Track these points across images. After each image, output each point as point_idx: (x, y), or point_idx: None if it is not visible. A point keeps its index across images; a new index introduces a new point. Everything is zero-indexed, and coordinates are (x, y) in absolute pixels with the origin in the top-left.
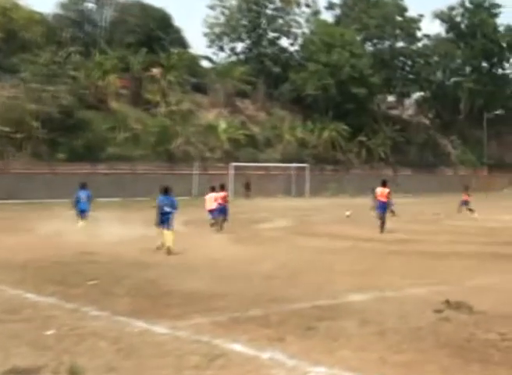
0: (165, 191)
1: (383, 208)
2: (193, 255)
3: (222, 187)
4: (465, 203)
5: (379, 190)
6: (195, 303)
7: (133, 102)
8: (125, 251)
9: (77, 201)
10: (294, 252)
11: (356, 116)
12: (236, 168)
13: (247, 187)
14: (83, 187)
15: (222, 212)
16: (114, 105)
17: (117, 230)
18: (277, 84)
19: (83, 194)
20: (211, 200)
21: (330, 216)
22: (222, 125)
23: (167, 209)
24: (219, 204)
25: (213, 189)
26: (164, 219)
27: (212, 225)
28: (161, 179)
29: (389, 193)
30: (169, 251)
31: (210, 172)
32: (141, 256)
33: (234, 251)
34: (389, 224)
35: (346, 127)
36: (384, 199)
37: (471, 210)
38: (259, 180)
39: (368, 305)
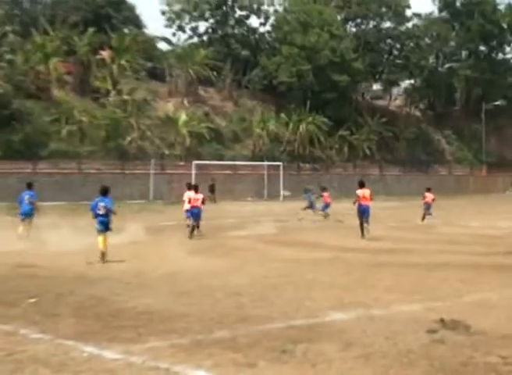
0: (105, 192)
1: (367, 211)
2: (148, 267)
3: (196, 189)
4: (428, 207)
5: (360, 192)
6: (151, 324)
7: (79, 91)
8: (70, 263)
9: (20, 203)
10: (266, 264)
11: (337, 107)
12: (199, 167)
13: (212, 189)
14: (29, 187)
15: (196, 216)
16: (57, 93)
17: (61, 239)
18: (246, 70)
19: (26, 196)
20: (189, 199)
21: (308, 223)
22: (183, 117)
23: (100, 212)
24: (194, 206)
25: (190, 187)
26: (100, 223)
27: (189, 229)
28: (113, 179)
29: (370, 194)
30: (103, 256)
31: (169, 171)
32: (89, 270)
33: (196, 262)
34: (374, 231)
35: (325, 120)
36: (368, 202)
37: (424, 216)
38: (226, 181)
39: (352, 324)
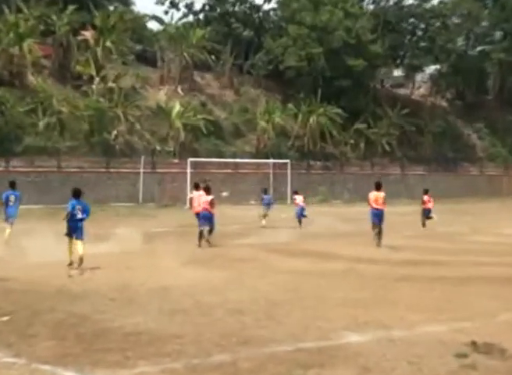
0: (78, 194)
1: (380, 216)
2: (137, 280)
3: (207, 190)
4: (428, 212)
5: (373, 195)
6: (140, 346)
7: (58, 77)
8: (48, 275)
9: (5, 204)
10: (272, 277)
11: (352, 96)
12: (195, 165)
13: (207, 190)
14: (12, 186)
15: (207, 220)
16: (33, 80)
17: (38, 247)
18: (248, 54)
19: (11, 196)
20: (199, 201)
21: (319, 230)
22: (177, 107)
23: (79, 216)
24: (204, 209)
25: (197, 187)
26: (75, 227)
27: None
28: (97, 179)
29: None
30: (81, 261)
31: (160, 170)
32: (70, 283)
33: (192, 275)
34: (394, 240)
35: (339, 111)
36: (381, 206)
37: (427, 218)
38: (226, 182)
39: (369, 347)
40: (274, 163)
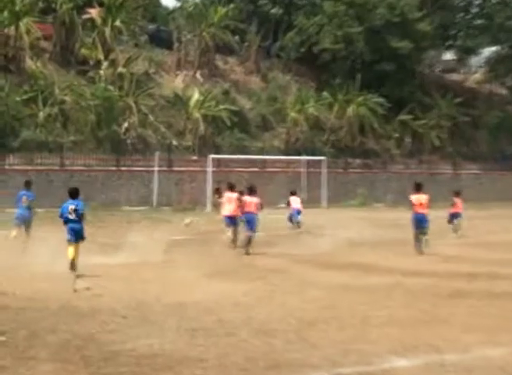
0: (74, 194)
1: (424, 222)
2: (152, 295)
3: (252, 191)
4: (455, 216)
5: (415, 198)
6: (156, 371)
7: (60, 61)
8: (50, 289)
9: (18, 205)
10: (305, 293)
11: (396, 82)
12: (217, 162)
13: (218, 193)
14: (27, 186)
15: (251, 223)
16: (31, 64)
17: (39, 257)
18: (277, 34)
19: (23, 196)
20: (231, 202)
21: (359, 237)
22: (196, 96)
23: (71, 217)
24: (250, 211)
25: (232, 188)
26: (69, 230)
27: (233, 242)
28: (105, 179)
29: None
30: (73, 266)
31: (177, 168)
32: (75, 299)
33: (215, 289)
34: (443, 249)
35: (381, 100)
36: (423, 210)
37: (449, 223)
38: (251, 182)
39: (418, 373)
40: (307, 161)
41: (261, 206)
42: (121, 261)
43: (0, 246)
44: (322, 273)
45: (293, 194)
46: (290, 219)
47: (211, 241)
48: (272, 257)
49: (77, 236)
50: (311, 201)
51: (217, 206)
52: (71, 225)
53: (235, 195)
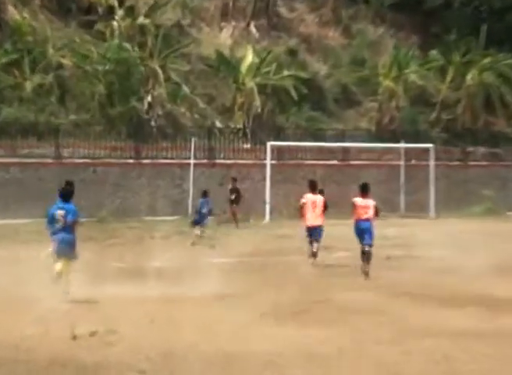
0: (66, 195)
1: None
2: (184, 342)
3: (366, 190)
4: None
5: None
6: None
7: (56, 10)
8: (42, 335)
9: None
10: (409, 342)
11: None
12: (280, 152)
13: (236, 194)
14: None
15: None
16: (15, 14)
17: (27, 287)
18: None
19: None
20: (315, 207)
21: (485, 260)
22: (249, 58)
23: (59, 224)
24: (367, 219)
25: (313, 187)
26: (57, 242)
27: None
28: (121, 175)
29: None
30: (59, 276)
31: (221, 161)
32: (75, 347)
33: (277, 335)
34: None
35: None
36: None
37: None
38: (328, 179)
39: None
40: (407, 149)
41: (376, 212)
42: (141, 294)
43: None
44: (432, 313)
45: (313, 188)
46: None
47: (270, 266)
48: (356, 288)
49: (68, 248)
50: (411, 208)
51: (233, 217)
52: (60, 236)
53: (320, 198)
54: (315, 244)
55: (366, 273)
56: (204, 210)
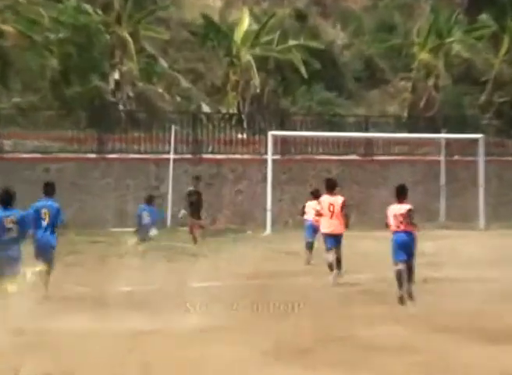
0: (7, 200)
1: None
2: None
3: (402, 193)
4: None
5: None
6: None
7: None
8: None
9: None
10: None
11: None
12: (283, 144)
13: (195, 196)
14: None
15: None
16: None
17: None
18: None
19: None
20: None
21: None
22: (245, 23)
23: (12, 235)
24: (405, 230)
25: (332, 186)
26: (5, 257)
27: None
28: (80, 174)
29: None
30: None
31: (209, 156)
32: None
33: None
34: None
35: None
36: None
37: None
38: (344, 180)
39: None
40: (449, 141)
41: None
42: (108, 327)
43: None
44: (481, 351)
45: (331, 188)
46: (311, 236)
47: (272, 291)
48: (384, 320)
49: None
50: (454, 216)
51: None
52: (12, 246)
53: (339, 199)
54: (333, 254)
55: (410, 295)
56: (146, 221)
